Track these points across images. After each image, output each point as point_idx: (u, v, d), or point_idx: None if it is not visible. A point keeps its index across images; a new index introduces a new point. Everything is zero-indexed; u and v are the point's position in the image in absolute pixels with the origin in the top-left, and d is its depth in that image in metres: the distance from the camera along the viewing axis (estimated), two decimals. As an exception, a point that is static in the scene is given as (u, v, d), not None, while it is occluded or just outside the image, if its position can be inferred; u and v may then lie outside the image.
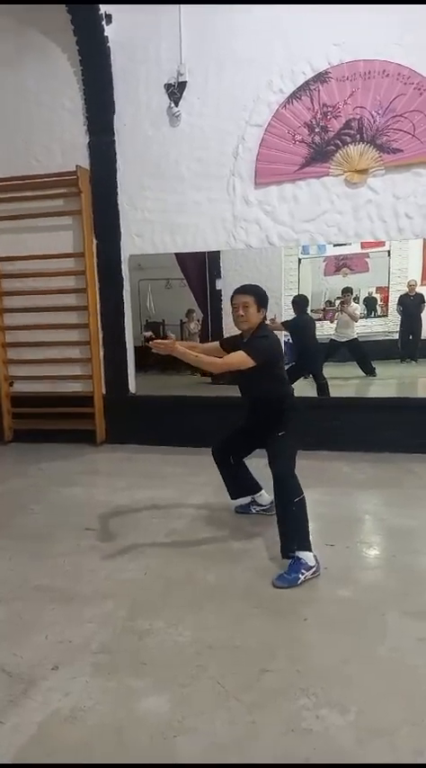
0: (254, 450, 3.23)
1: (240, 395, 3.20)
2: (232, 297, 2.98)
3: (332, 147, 4.58)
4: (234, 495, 3.41)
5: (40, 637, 2.27)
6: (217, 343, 3.23)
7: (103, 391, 5.34)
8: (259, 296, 2.93)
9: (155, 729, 1.75)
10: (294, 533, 2.69)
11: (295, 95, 4.59)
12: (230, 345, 3.04)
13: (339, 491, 3.92)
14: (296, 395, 3.19)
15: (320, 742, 1.67)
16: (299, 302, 5.91)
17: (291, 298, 6.08)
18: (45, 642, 2.23)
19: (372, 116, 4.46)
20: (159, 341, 2.69)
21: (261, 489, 3.41)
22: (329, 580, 2.66)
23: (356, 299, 7.31)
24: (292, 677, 1.97)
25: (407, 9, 4.27)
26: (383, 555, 2.95)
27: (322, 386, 5.54)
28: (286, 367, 3.43)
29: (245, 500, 3.49)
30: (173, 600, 2.53)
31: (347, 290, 6.79)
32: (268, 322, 3.22)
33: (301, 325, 5.75)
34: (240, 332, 3.05)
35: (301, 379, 5.65)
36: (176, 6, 4.67)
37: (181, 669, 2.04)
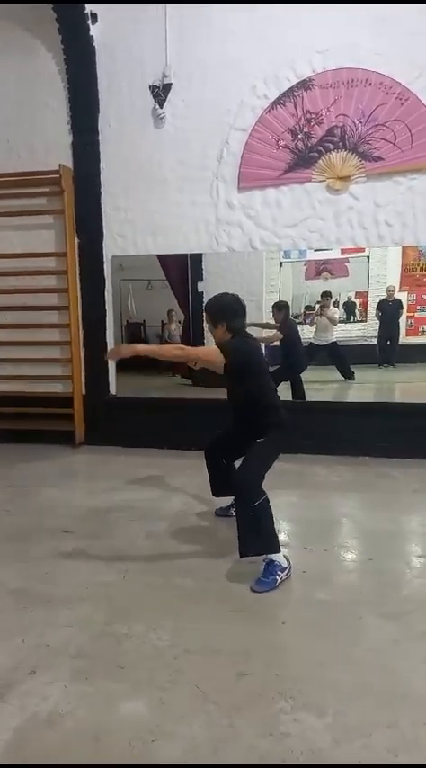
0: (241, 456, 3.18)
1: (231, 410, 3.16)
2: None
3: (315, 154, 4.63)
4: (216, 493, 3.42)
5: (17, 640, 2.25)
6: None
7: (83, 392, 5.31)
8: (215, 312, 2.88)
9: (134, 734, 1.75)
10: (252, 536, 2.66)
11: (279, 101, 4.63)
12: None
13: (316, 494, 3.95)
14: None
15: (297, 745, 1.69)
16: (284, 306, 5.96)
17: (272, 301, 6.11)
18: (22, 646, 2.21)
19: (354, 124, 4.52)
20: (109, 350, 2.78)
21: None
22: (307, 583, 2.68)
23: (336, 304, 7.37)
24: (270, 680, 1.99)
25: (390, 19, 4.34)
26: (360, 558, 2.99)
27: (299, 388, 5.57)
28: (270, 369, 3.41)
29: (226, 502, 3.50)
30: (151, 604, 2.53)
31: (326, 294, 6.84)
32: (268, 333, 3.28)
33: (286, 329, 5.79)
34: None
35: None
36: (162, 8, 4.68)
37: (160, 673, 2.04)
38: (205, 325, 6.13)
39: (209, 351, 2.80)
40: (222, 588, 2.65)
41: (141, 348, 2.84)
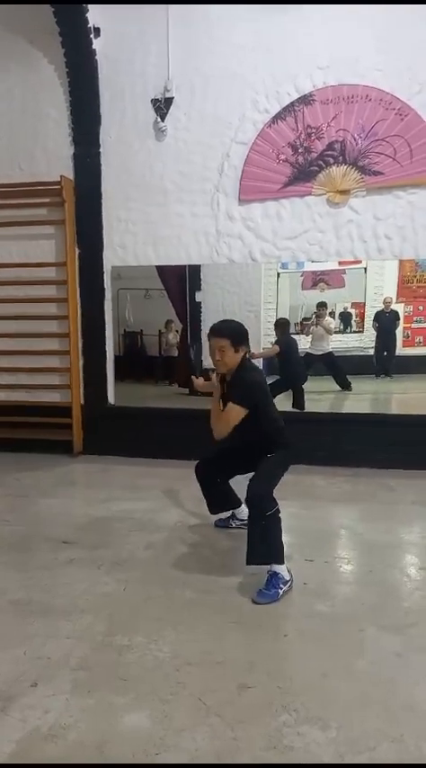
0: (241, 473, 3.17)
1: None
2: (208, 337, 2.90)
3: (316, 168, 4.68)
4: (214, 510, 3.42)
5: (18, 652, 2.23)
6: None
7: (82, 401, 5.31)
8: (234, 336, 2.85)
9: (137, 746, 1.74)
10: (262, 545, 2.67)
11: (279, 115, 4.68)
12: (221, 380, 3.04)
13: (315, 505, 3.96)
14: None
15: (301, 758, 1.69)
16: (282, 324, 6.01)
17: (270, 312, 6.14)
18: (23, 658, 2.20)
19: (355, 139, 4.58)
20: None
21: (241, 504, 3.41)
22: (307, 595, 2.68)
23: (332, 314, 7.40)
24: (273, 693, 1.98)
25: (391, 36, 4.40)
26: (360, 570, 2.99)
27: (300, 398, 5.60)
28: (269, 381, 3.42)
29: (225, 514, 3.50)
30: (152, 615, 2.52)
31: (322, 305, 6.86)
32: (263, 349, 3.31)
33: (285, 346, 5.84)
34: None
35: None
36: (164, 22, 4.73)
37: (162, 685, 2.03)
38: (203, 335, 6.20)
39: (238, 413, 2.78)
40: (223, 600, 2.64)
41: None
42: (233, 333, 2.85)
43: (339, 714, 1.87)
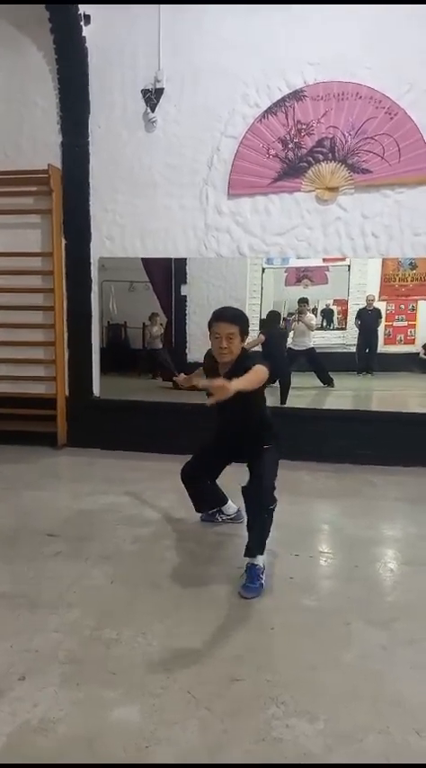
0: (228, 464, 3.18)
1: (221, 427, 3.04)
2: (212, 323, 2.71)
3: (305, 164, 4.69)
4: (203, 509, 3.43)
5: (6, 645, 2.22)
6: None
7: (67, 393, 5.27)
8: (244, 324, 2.72)
9: (128, 740, 1.74)
10: (261, 538, 2.72)
11: (270, 110, 4.68)
12: (209, 372, 2.89)
13: (301, 500, 3.99)
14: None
15: (291, 750, 1.71)
16: (272, 315, 6.04)
17: (254, 307, 6.18)
18: (11, 651, 2.19)
19: (344, 136, 4.60)
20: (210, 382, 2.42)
21: (227, 500, 3.43)
22: (294, 589, 2.71)
23: (314, 311, 7.45)
24: (261, 686, 2.00)
25: (381, 35, 4.42)
26: (345, 564, 3.02)
27: (284, 393, 5.64)
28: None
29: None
30: (140, 608, 2.52)
31: (303, 300, 6.90)
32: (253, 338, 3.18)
33: (270, 336, 5.87)
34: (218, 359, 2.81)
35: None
36: (156, 13, 4.69)
37: (151, 678, 2.04)
38: (187, 328, 6.18)
39: (265, 373, 2.58)
40: (210, 593, 2.66)
41: (236, 385, 2.38)
42: (243, 320, 2.73)
43: (327, 707, 1.90)
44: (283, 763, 1.67)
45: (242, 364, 2.65)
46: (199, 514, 3.52)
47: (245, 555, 2.74)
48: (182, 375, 3.38)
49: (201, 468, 3.17)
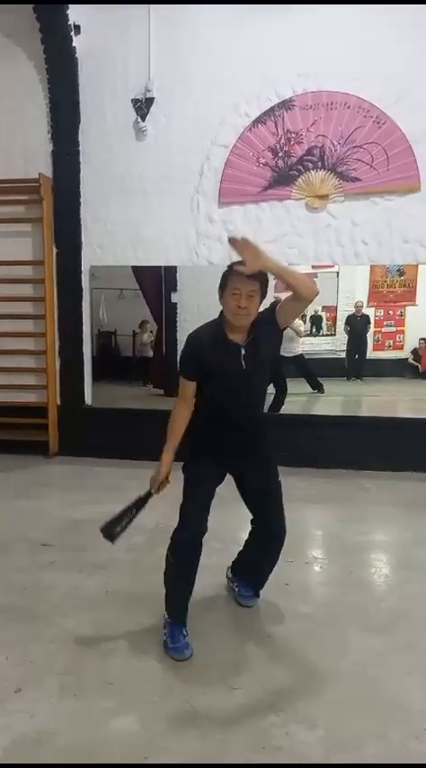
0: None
1: (222, 421, 2.31)
2: (229, 278, 2.15)
3: (295, 172, 4.73)
4: (183, 612, 2.37)
5: (1, 657, 2.20)
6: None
7: (58, 402, 5.25)
8: (266, 283, 2.18)
9: (127, 750, 1.74)
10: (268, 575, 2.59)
11: (260, 120, 4.73)
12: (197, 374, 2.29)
13: (295, 507, 3.94)
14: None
15: (290, 758, 1.71)
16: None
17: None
18: (6, 663, 2.17)
19: (333, 145, 4.65)
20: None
21: None
22: (289, 596, 2.71)
23: (303, 317, 7.48)
24: (259, 694, 2.00)
25: (370, 45, 4.48)
26: (340, 571, 3.03)
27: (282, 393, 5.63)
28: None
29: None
30: (136, 617, 2.51)
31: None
32: None
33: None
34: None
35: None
36: (146, 22, 4.73)
37: (149, 688, 2.03)
38: (178, 334, 6.16)
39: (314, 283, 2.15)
40: (206, 602, 2.65)
41: (275, 263, 2.06)
42: (266, 277, 2.16)
43: (325, 714, 1.90)
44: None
45: (261, 328, 2.22)
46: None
47: (258, 595, 2.63)
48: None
49: (206, 508, 2.36)
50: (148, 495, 2.29)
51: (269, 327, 2.23)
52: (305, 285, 2.10)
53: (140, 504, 2.29)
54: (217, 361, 2.20)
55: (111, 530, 2.29)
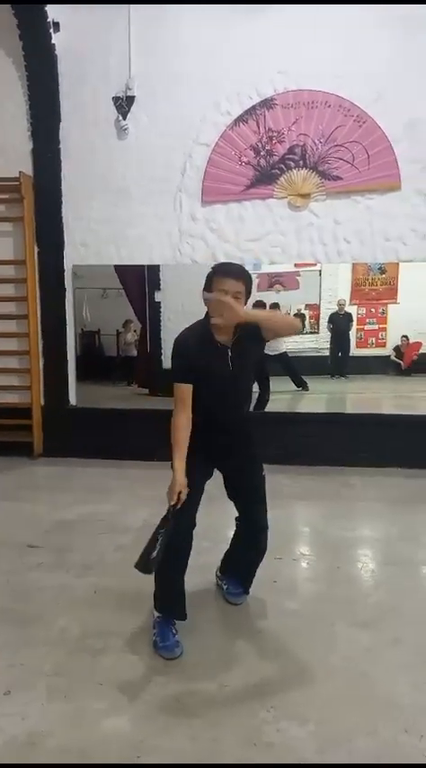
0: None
1: (209, 424, 2.27)
2: (215, 279, 2.16)
3: (277, 171, 4.75)
4: (182, 610, 2.37)
5: (-10, 661, 2.19)
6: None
7: (42, 402, 5.21)
8: (250, 284, 2.22)
9: (118, 751, 1.73)
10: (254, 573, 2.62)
11: (241, 118, 4.73)
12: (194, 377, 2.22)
13: (281, 504, 3.99)
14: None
15: (282, 754, 1.72)
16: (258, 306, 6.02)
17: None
18: (-5, 666, 2.16)
19: (315, 144, 4.67)
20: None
21: None
22: (278, 592, 2.73)
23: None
24: (250, 691, 2.01)
25: (351, 44, 4.51)
26: (327, 567, 3.05)
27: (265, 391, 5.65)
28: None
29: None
30: (125, 617, 2.50)
31: (274, 305, 6.95)
32: None
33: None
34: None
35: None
36: (126, 20, 4.70)
37: (139, 688, 2.03)
38: (162, 333, 6.14)
39: (296, 321, 2.47)
40: (195, 600, 2.63)
41: (254, 314, 2.23)
42: (249, 278, 2.21)
43: (316, 709, 1.92)
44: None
45: (249, 329, 2.20)
46: None
47: (247, 592, 2.65)
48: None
49: (196, 504, 2.32)
50: (169, 511, 2.21)
51: (254, 331, 2.23)
52: (287, 328, 2.35)
53: (164, 523, 2.22)
54: (205, 363, 2.18)
55: (146, 562, 2.14)
